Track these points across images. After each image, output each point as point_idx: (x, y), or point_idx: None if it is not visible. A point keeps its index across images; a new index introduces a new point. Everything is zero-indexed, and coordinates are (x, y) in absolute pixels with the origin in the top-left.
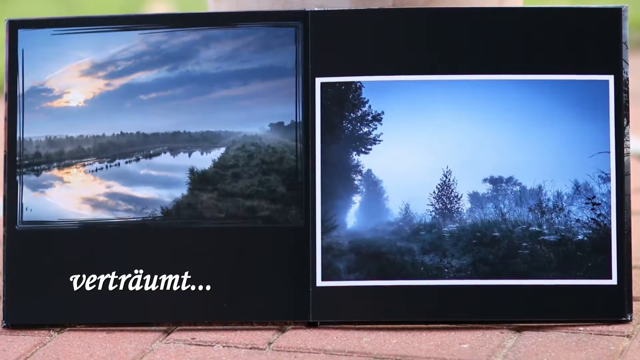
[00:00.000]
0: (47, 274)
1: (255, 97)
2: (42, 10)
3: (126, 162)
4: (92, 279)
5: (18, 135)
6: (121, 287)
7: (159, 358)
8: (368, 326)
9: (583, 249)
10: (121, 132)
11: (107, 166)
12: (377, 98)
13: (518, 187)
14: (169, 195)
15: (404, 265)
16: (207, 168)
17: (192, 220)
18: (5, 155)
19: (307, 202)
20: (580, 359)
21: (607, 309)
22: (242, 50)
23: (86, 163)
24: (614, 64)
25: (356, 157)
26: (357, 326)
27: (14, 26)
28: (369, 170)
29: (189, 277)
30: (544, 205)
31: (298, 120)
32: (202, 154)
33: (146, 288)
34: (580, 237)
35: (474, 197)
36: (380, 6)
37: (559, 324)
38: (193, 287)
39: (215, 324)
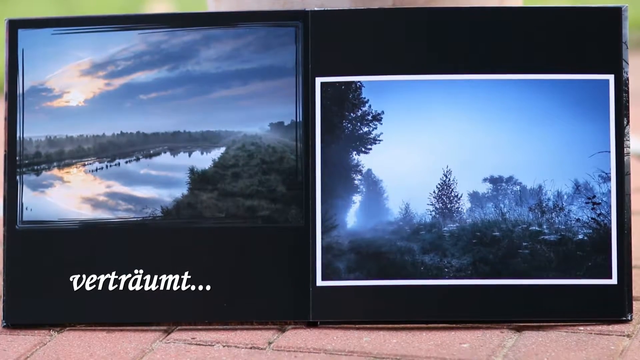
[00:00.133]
0: (47, 274)
1: (255, 96)
2: (42, 10)
3: (126, 162)
4: (92, 278)
5: (18, 135)
6: (121, 287)
7: (159, 358)
8: (368, 326)
9: (583, 249)
10: (121, 131)
11: (107, 166)
12: (377, 98)
13: (518, 187)
14: (169, 195)
15: (404, 265)
16: (207, 168)
17: (192, 220)
18: (5, 155)
19: (307, 201)
20: (580, 359)
21: (607, 308)
22: (242, 50)
23: (86, 163)
24: (614, 64)
25: (356, 157)
26: (357, 326)
27: (14, 26)
28: (369, 170)
29: (189, 277)
30: (544, 204)
31: (298, 120)
32: (202, 153)
33: (146, 288)
34: (580, 236)
35: (474, 196)
36: (380, 6)
37: (559, 324)
38: (193, 287)
39: (215, 324)
